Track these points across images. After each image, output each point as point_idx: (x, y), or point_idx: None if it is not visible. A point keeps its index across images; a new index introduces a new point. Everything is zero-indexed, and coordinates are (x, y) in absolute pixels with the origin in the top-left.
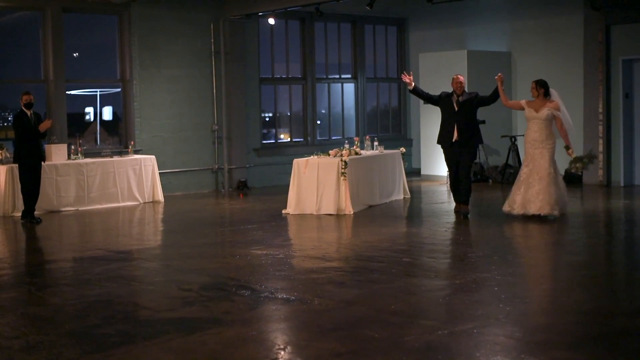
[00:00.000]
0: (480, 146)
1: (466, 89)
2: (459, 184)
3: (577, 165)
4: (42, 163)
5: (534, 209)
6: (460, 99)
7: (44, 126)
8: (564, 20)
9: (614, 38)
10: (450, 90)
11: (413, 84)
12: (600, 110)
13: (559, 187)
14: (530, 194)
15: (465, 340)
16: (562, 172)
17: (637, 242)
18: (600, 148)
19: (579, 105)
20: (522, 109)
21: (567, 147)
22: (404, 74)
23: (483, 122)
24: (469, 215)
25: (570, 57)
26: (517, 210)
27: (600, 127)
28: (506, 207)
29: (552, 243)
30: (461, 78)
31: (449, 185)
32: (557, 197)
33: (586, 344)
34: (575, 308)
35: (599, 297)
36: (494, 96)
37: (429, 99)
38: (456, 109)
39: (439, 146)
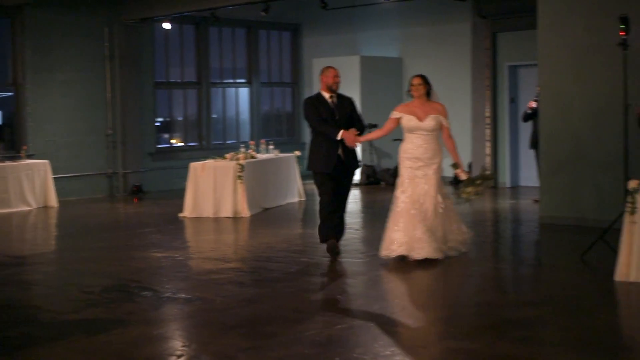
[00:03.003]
0: (372, 148)
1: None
2: (334, 216)
3: (469, 190)
4: None
5: (423, 252)
6: (335, 100)
7: None
8: (452, 28)
9: (500, 45)
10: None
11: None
12: (487, 114)
13: (452, 217)
14: (418, 233)
15: (364, 333)
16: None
17: (521, 240)
18: (488, 151)
19: (466, 109)
20: (398, 123)
21: (456, 166)
22: None
23: (375, 125)
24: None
25: (459, 63)
26: (399, 251)
27: (488, 131)
28: (383, 251)
29: None
30: (339, 72)
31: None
32: (452, 233)
33: (478, 333)
34: (467, 301)
35: (488, 291)
36: (361, 128)
37: (320, 122)
38: (337, 116)
39: None
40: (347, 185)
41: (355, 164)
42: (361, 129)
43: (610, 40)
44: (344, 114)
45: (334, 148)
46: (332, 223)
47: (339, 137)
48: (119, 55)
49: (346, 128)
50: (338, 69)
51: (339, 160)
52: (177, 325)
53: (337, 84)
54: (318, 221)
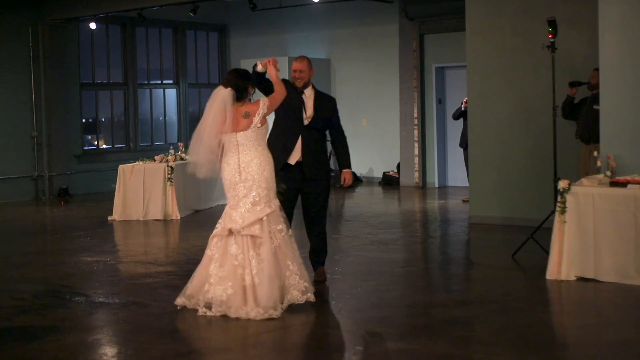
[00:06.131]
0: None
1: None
2: (310, 238)
3: None
4: None
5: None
6: (305, 99)
7: None
8: (380, 29)
9: (427, 47)
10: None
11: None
12: (415, 115)
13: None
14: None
15: (301, 335)
16: None
17: (452, 240)
18: (416, 151)
19: (395, 110)
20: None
21: None
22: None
23: None
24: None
25: (387, 64)
26: (196, 300)
27: (416, 131)
28: (180, 297)
29: (375, 242)
30: (303, 64)
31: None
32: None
33: (414, 333)
34: (400, 302)
35: (421, 291)
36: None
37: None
38: (306, 112)
39: None
40: (314, 197)
41: (315, 166)
42: (345, 142)
43: (538, 43)
44: (318, 117)
45: (292, 138)
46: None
47: (260, 69)
48: (44, 55)
49: (318, 134)
50: (305, 61)
51: (298, 162)
52: (113, 330)
53: (297, 80)
54: None
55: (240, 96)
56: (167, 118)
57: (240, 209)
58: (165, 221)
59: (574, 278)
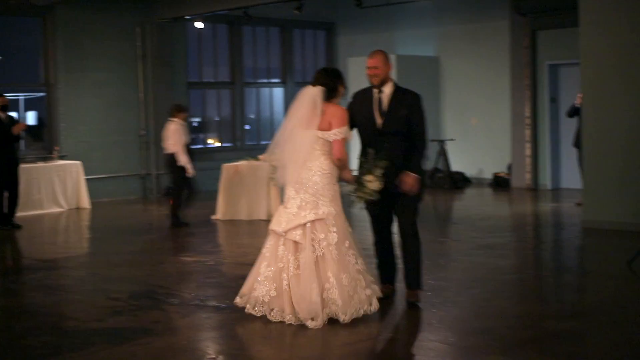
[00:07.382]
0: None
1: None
2: (395, 252)
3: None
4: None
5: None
6: (385, 98)
7: (17, 129)
8: (490, 26)
9: (539, 43)
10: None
11: None
12: (527, 114)
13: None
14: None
15: (400, 345)
16: None
17: (564, 245)
18: (528, 152)
19: (506, 109)
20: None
21: None
22: None
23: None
24: (418, 303)
25: (497, 62)
26: (247, 298)
27: (527, 131)
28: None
29: (482, 247)
30: (377, 60)
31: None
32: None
33: (519, 347)
34: (506, 312)
35: (529, 301)
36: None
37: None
38: (379, 119)
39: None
40: (401, 208)
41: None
42: (420, 145)
43: None
44: (393, 117)
45: (370, 150)
46: (384, 265)
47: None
48: (152, 54)
49: (398, 138)
50: (380, 56)
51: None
52: (204, 335)
53: (372, 77)
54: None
55: (330, 96)
56: (274, 117)
57: (288, 209)
58: (269, 221)
59: None
